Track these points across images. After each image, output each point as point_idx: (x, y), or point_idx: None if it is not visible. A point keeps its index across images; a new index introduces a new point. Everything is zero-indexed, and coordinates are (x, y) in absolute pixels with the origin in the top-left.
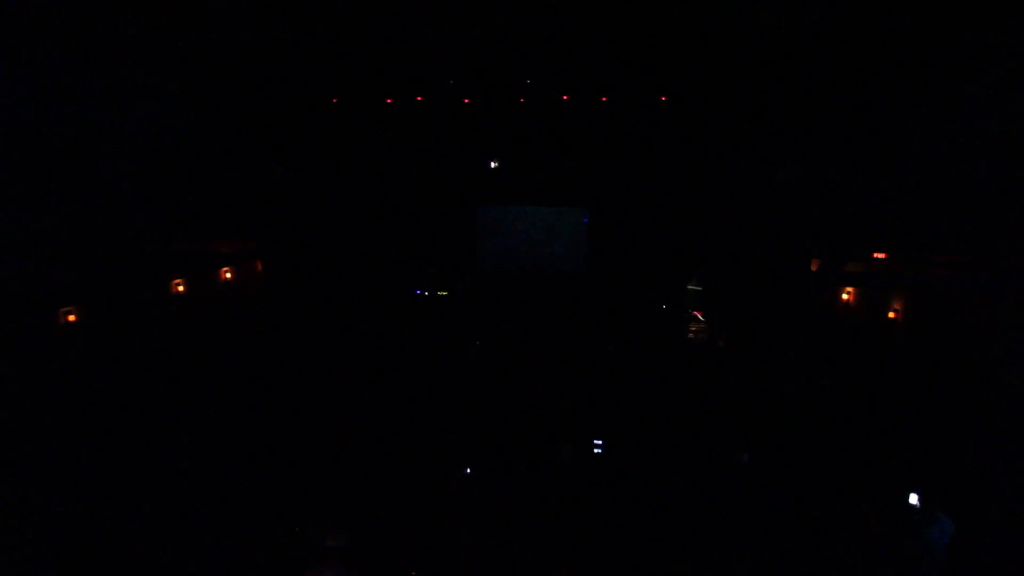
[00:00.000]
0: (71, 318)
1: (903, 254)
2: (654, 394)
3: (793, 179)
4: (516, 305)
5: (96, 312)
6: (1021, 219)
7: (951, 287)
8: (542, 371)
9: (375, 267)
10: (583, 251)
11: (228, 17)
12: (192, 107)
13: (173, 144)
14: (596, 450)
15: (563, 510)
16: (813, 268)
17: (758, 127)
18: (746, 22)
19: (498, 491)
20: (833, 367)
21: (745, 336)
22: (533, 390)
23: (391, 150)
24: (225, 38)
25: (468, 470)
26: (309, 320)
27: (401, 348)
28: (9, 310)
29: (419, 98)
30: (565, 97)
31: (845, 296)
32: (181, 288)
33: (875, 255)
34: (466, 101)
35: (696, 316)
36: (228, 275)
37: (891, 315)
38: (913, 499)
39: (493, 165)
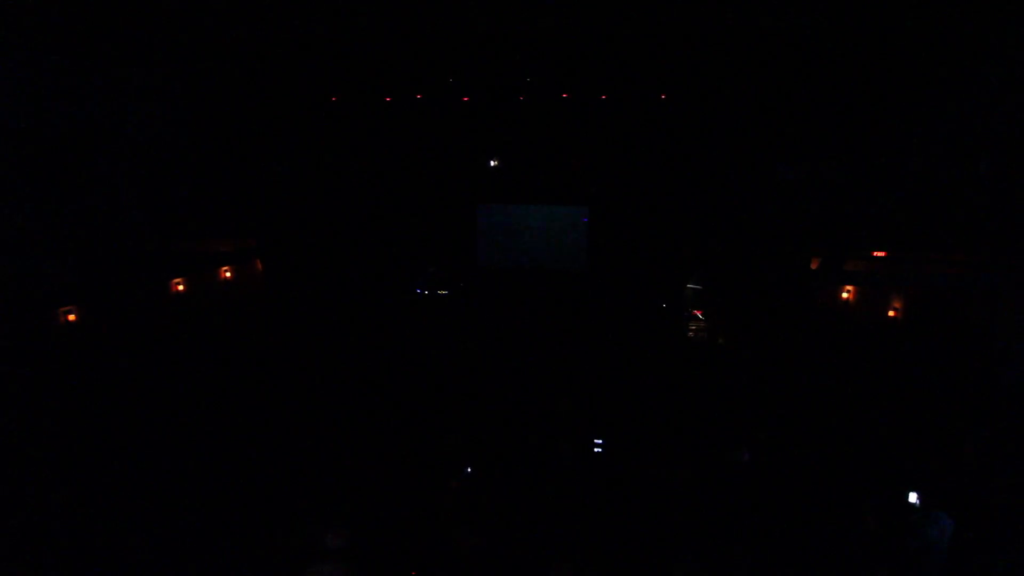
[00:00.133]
0: (71, 318)
1: (903, 252)
2: (654, 393)
3: (793, 178)
4: (516, 304)
5: (96, 312)
6: (1021, 219)
7: (951, 286)
8: (542, 371)
9: (375, 266)
10: (583, 250)
11: (228, 17)
12: (192, 107)
13: (173, 144)
14: (596, 450)
15: (563, 510)
16: (813, 267)
17: (758, 126)
18: (746, 22)
19: (498, 491)
20: (833, 366)
21: (745, 335)
22: (533, 390)
23: (391, 149)
24: (225, 38)
25: (468, 470)
26: (309, 319)
27: (401, 347)
28: (9, 310)
29: (419, 96)
30: (565, 95)
31: (845, 295)
32: (181, 288)
33: (875, 253)
34: (466, 100)
35: (696, 316)
36: (228, 274)
37: (891, 314)
38: (912, 498)
39: (493, 164)
